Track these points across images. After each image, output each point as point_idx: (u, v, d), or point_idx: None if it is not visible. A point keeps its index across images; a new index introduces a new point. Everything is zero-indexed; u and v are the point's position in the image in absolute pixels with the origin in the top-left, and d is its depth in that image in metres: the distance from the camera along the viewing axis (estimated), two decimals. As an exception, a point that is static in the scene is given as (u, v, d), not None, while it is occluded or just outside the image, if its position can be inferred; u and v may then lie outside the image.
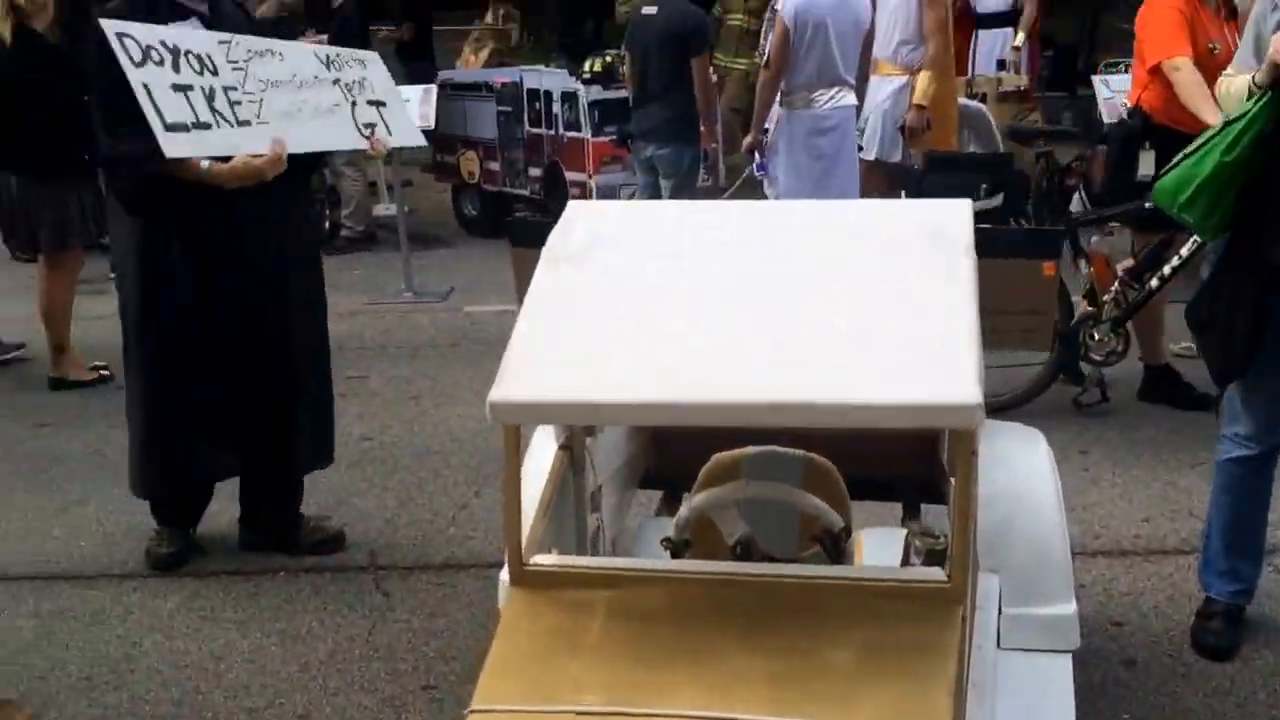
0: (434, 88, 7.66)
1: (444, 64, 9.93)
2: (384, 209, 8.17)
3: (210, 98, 2.95)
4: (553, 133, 7.56)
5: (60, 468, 4.37)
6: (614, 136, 7.01)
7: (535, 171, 7.74)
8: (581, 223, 2.15)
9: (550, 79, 7.68)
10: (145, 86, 2.85)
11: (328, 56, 3.41)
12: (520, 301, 2.49)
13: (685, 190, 6.07)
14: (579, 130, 7.36)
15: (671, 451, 2.84)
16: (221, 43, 3.08)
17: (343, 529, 3.73)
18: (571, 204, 2.23)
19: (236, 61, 3.06)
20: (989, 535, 2.18)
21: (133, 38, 2.88)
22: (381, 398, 5.07)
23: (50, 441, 4.66)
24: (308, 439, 3.56)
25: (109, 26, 2.90)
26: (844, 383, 1.67)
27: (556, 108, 7.51)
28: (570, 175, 7.46)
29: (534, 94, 7.68)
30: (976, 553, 1.96)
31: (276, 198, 3.22)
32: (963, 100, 6.20)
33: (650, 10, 6.10)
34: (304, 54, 3.36)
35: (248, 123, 3.03)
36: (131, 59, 2.86)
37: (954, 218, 2.02)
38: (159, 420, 3.42)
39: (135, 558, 3.62)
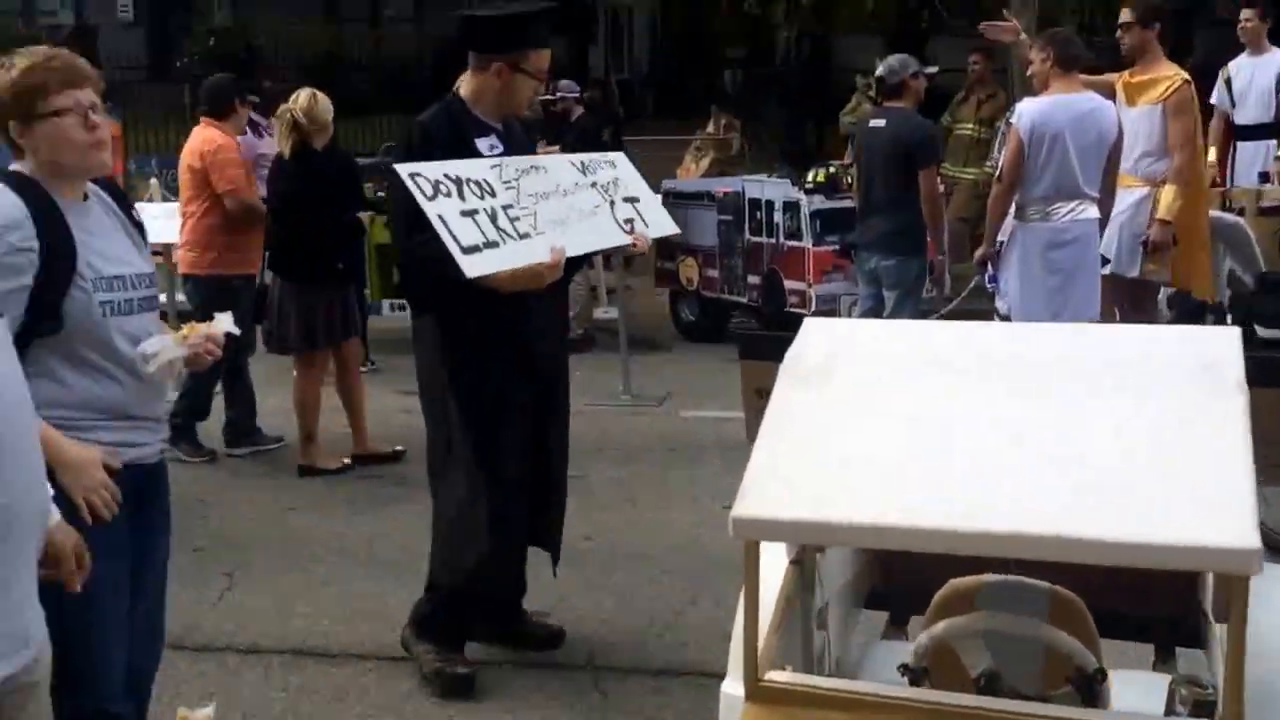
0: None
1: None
2: (604, 312, 8.45)
3: (493, 218, 3.15)
4: (773, 241, 7.66)
5: (306, 550, 4.66)
6: (836, 246, 7.04)
7: (754, 279, 7.85)
8: (819, 340, 2.16)
9: (772, 189, 7.80)
10: (440, 217, 3.05)
11: (582, 163, 3.62)
12: (746, 412, 2.52)
13: (910, 302, 5.97)
14: (800, 239, 7.43)
15: (898, 572, 2.76)
16: (493, 167, 3.29)
17: (562, 627, 3.80)
18: (808, 321, 2.24)
19: (509, 181, 3.27)
20: (1259, 688, 2.00)
21: (423, 175, 3.12)
22: (599, 498, 5.16)
23: (298, 525, 4.98)
24: (558, 532, 3.67)
25: (402, 170, 3.13)
26: (1106, 518, 1.61)
27: (778, 216, 7.62)
28: (790, 284, 7.52)
29: (755, 203, 7.82)
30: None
31: (548, 300, 3.42)
32: (1216, 213, 5.88)
33: (878, 122, 6.13)
34: (562, 164, 3.58)
35: (528, 235, 3.22)
36: (424, 194, 3.08)
37: (1224, 347, 1.92)
38: (482, 516, 3.40)
39: (373, 639, 3.81)
